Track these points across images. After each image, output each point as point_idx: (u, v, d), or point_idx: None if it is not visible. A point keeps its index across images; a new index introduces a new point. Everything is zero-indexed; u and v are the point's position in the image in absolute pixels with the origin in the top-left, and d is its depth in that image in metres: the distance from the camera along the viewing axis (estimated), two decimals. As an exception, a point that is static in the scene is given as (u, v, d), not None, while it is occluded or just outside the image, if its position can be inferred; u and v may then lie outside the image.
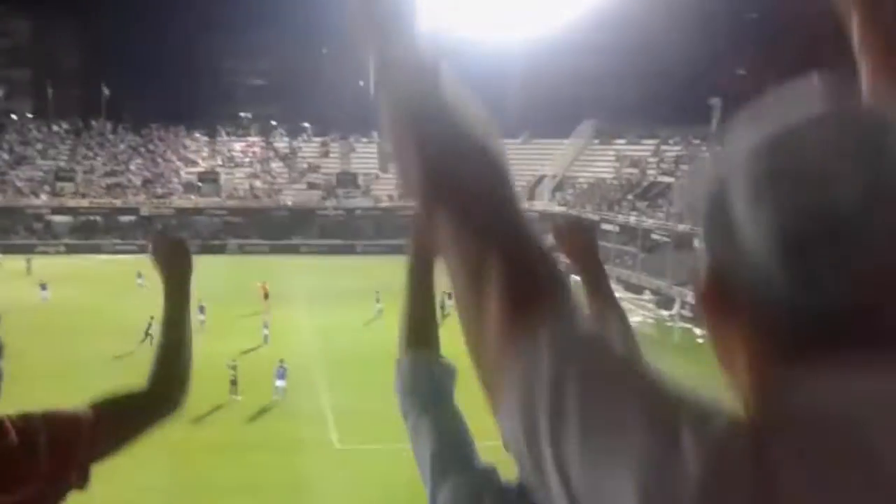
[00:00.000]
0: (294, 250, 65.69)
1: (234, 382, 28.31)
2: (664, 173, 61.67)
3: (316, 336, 38.17)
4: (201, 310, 31.29)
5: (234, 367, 28.45)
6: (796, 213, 0.66)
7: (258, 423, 26.95)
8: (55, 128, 75.23)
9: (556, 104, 74.49)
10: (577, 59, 77.84)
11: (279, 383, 28.49)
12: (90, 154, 73.22)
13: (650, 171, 63.40)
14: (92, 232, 67.50)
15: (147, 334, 29.66)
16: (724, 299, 0.73)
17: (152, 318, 35.85)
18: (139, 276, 45.05)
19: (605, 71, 77.04)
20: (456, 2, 70.15)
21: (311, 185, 72.81)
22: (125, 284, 45.01)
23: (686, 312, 40.70)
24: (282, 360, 29.14)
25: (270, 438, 25.24)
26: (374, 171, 74.87)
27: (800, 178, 0.67)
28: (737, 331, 0.73)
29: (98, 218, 68.34)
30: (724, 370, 0.75)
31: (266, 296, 45.43)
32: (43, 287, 44.19)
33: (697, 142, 62.41)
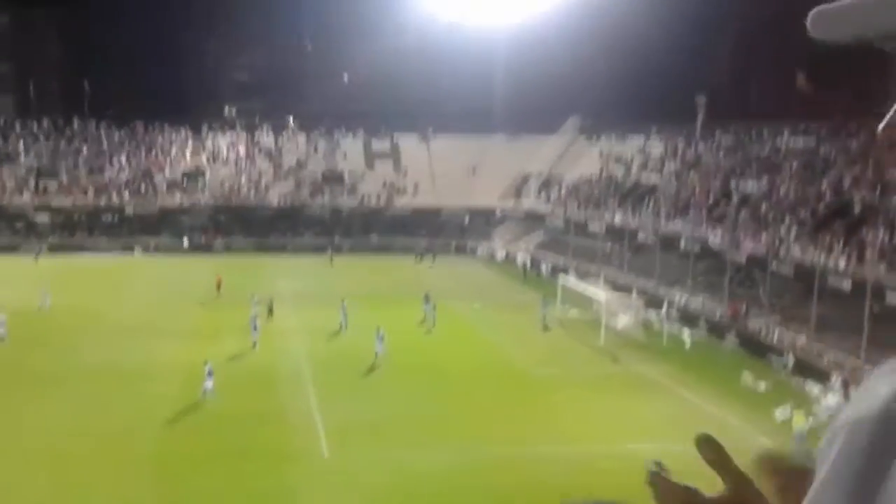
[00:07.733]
0: (281, 248, 65.52)
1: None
2: (650, 171, 61.82)
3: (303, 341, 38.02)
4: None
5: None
6: None
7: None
8: (37, 125, 74.35)
9: (540, 100, 74.35)
10: (561, 55, 77.89)
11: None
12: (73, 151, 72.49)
13: (635, 169, 63.56)
14: (74, 230, 66.92)
15: None
16: None
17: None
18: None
19: (589, 67, 77.08)
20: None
21: (298, 183, 72.45)
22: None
23: (674, 314, 40.85)
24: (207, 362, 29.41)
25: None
26: (361, 169, 74.58)
27: None
28: None
29: (82, 217, 67.72)
30: None
31: (218, 286, 47.26)
32: None
33: (682, 139, 62.51)
